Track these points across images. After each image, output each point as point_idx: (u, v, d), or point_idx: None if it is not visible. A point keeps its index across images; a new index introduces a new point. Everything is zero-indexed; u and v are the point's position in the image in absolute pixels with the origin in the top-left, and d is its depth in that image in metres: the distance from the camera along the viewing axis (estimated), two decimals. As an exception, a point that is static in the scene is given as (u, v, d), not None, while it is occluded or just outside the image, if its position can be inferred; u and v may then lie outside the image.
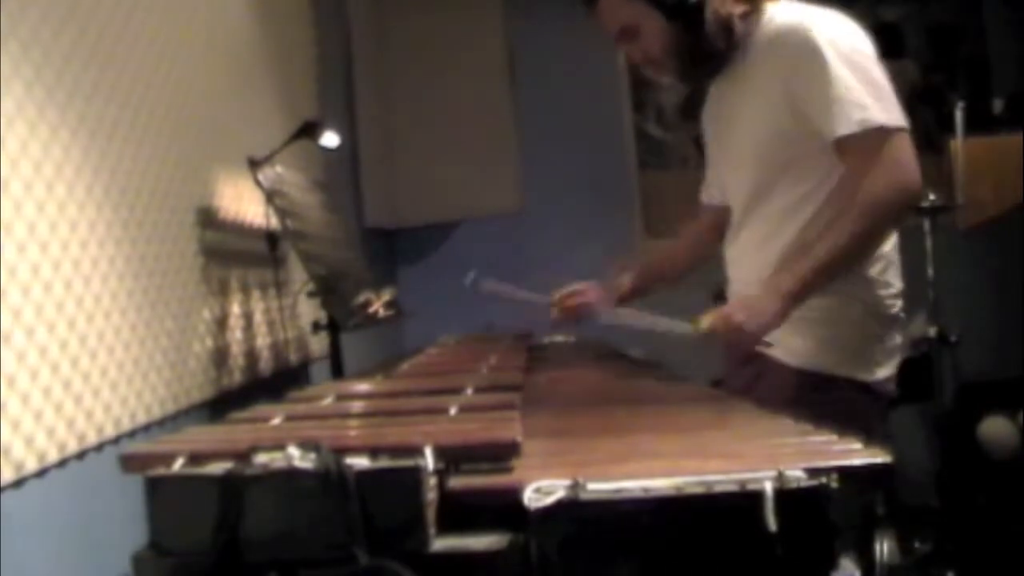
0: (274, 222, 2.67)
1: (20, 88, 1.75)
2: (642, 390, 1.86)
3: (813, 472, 1.00)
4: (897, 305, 1.98)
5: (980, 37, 4.75)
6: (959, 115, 3.55)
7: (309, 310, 2.86)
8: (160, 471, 1.08)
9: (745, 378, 1.97)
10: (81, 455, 1.82)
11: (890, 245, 1.99)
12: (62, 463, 1.76)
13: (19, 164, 1.73)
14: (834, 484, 0.98)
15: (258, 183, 2.56)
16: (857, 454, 1.11)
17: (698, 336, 1.86)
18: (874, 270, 1.94)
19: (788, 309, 1.85)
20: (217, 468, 1.06)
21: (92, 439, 1.85)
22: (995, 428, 3.68)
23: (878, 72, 1.88)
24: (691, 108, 5.08)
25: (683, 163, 5.06)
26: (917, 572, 3.27)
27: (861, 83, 1.83)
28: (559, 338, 2.72)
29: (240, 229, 2.78)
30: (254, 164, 2.56)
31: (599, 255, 4.74)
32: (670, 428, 1.39)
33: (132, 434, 2.00)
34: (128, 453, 1.17)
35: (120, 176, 2.10)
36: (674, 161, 5.05)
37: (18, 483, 1.63)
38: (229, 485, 1.02)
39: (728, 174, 2.15)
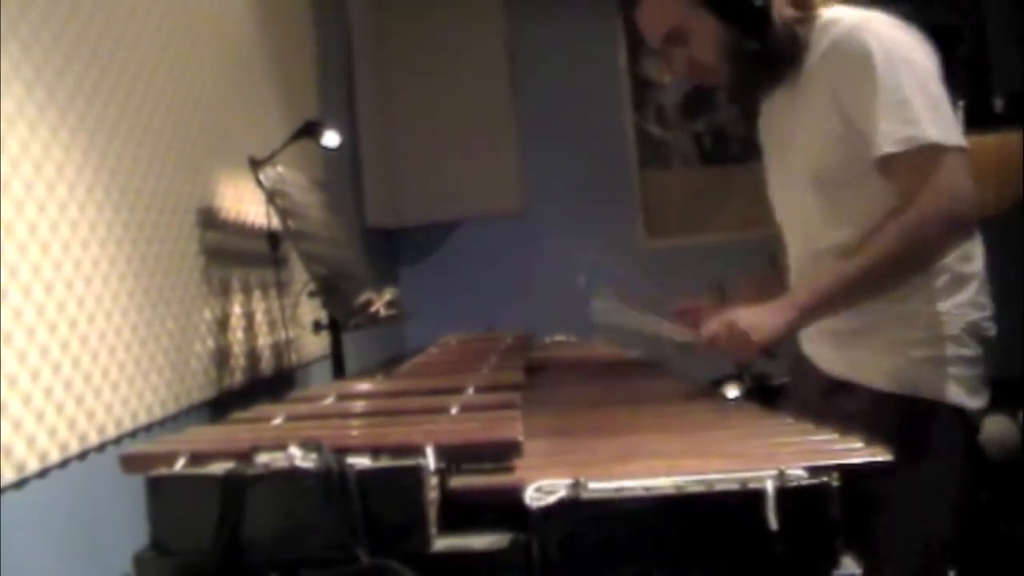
0: (275, 222, 2.67)
1: (21, 89, 1.75)
2: (642, 390, 1.86)
3: (814, 471, 1.00)
4: (993, 329, 1.80)
5: (980, 37, 4.75)
6: (959, 114, 3.54)
7: (310, 310, 2.86)
8: (161, 471, 1.08)
9: (831, 412, 1.63)
10: (83, 455, 1.82)
11: (979, 263, 1.80)
12: (64, 463, 1.76)
13: (20, 165, 1.73)
14: (835, 483, 0.98)
15: (259, 183, 2.56)
16: (857, 453, 1.11)
17: (699, 344, 1.76)
18: (970, 290, 1.76)
19: (799, 323, 1.72)
20: (218, 468, 1.06)
21: (94, 439, 1.85)
22: (995, 428, 3.68)
23: (936, 86, 1.71)
24: (693, 107, 5.10)
25: (684, 162, 5.06)
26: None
27: (914, 95, 1.65)
28: (559, 338, 2.72)
29: (241, 229, 2.78)
30: (255, 164, 2.56)
31: (599, 255, 4.78)
32: (670, 428, 1.39)
33: (133, 434, 2.00)
34: (129, 453, 1.18)
35: (121, 176, 2.10)
36: (674, 161, 5.06)
37: (20, 483, 1.63)
38: (230, 485, 1.02)
39: (782, 195, 1.94)
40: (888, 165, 1.66)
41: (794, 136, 1.83)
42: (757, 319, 1.70)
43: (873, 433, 1.21)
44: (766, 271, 2.10)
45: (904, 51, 1.70)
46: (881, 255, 1.67)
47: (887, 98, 1.65)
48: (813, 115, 1.77)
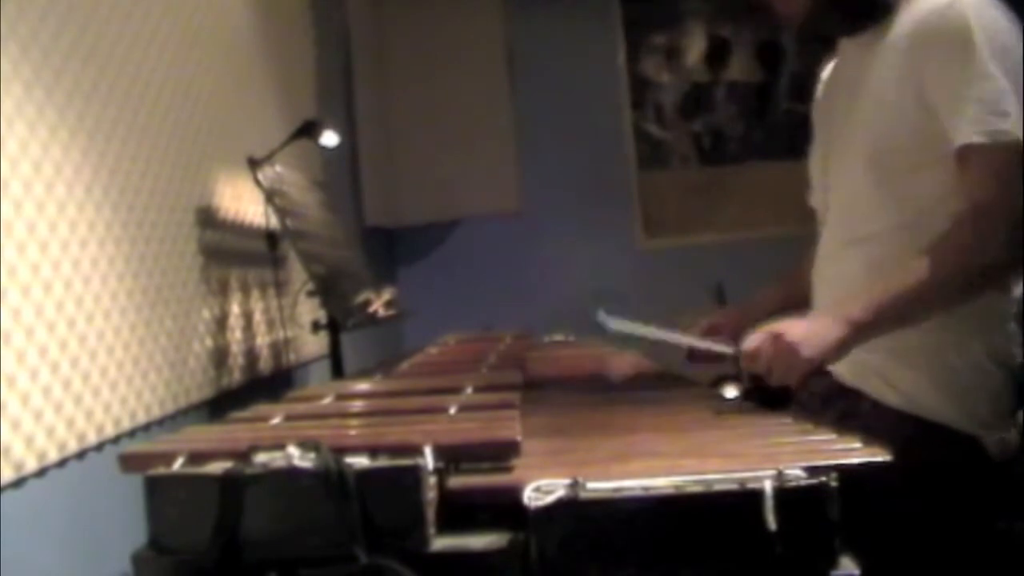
0: (274, 222, 2.68)
1: (19, 89, 1.75)
2: (642, 390, 1.86)
3: (812, 471, 1.00)
4: (1019, 357, 1.58)
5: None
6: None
7: (309, 309, 2.86)
8: (160, 471, 1.08)
9: (827, 419, 1.50)
10: (81, 455, 1.82)
11: (1020, 288, 1.59)
12: (62, 463, 1.76)
13: (19, 164, 1.72)
14: (833, 483, 0.98)
15: (258, 183, 2.56)
16: (856, 453, 1.11)
17: (739, 357, 1.55)
18: (1003, 314, 1.58)
19: (852, 341, 1.49)
20: (217, 468, 1.06)
21: (92, 439, 1.85)
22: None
23: None
24: (691, 107, 5.10)
25: (682, 162, 5.07)
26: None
27: (1012, 87, 1.47)
28: (558, 337, 2.72)
29: (240, 229, 2.78)
30: (254, 164, 2.56)
31: (599, 255, 4.80)
32: (670, 427, 1.39)
33: (132, 434, 2.00)
34: (127, 453, 1.18)
35: (120, 176, 2.10)
36: (673, 161, 5.06)
37: (18, 483, 1.63)
38: (229, 485, 1.02)
39: (829, 167, 1.73)
40: (967, 156, 1.48)
41: (859, 103, 1.64)
42: (807, 332, 1.49)
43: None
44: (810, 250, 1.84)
45: (1005, 38, 1.52)
46: (950, 267, 1.47)
47: (981, 85, 1.47)
48: (886, 85, 1.59)
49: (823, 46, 1.80)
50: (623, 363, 2.02)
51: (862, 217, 1.63)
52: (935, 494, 1.50)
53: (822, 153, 1.76)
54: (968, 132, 1.47)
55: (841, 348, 1.50)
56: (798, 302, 1.85)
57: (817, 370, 1.51)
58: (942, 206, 1.52)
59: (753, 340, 1.52)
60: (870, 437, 1.15)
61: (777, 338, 1.49)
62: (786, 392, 1.63)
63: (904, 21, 1.59)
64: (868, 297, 1.51)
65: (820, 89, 1.84)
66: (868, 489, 1.12)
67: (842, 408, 1.59)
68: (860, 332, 1.49)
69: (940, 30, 1.52)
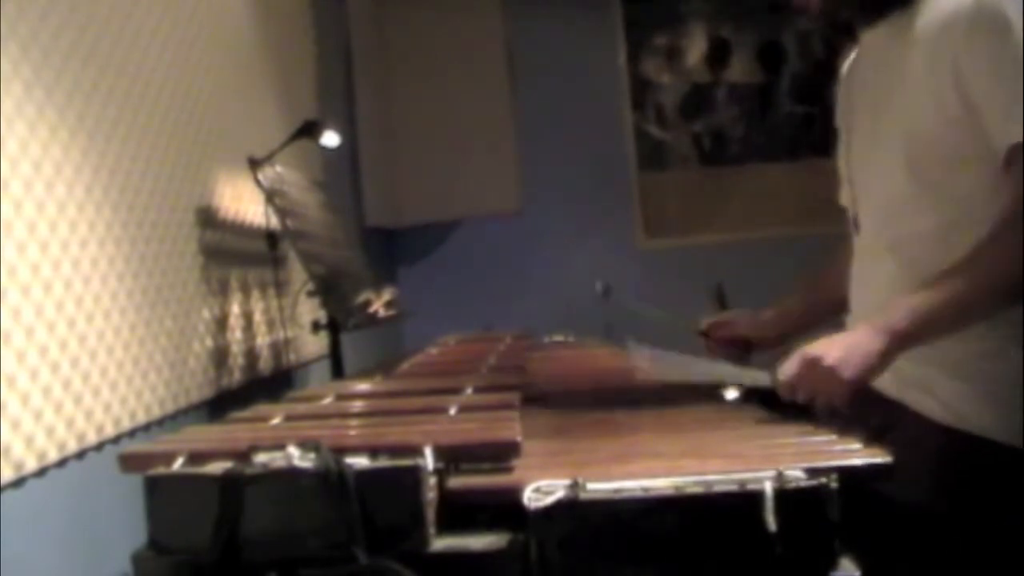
0: (274, 222, 2.67)
1: (19, 88, 1.75)
2: (642, 390, 1.85)
3: (812, 472, 1.00)
4: None
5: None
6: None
7: (309, 310, 2.86)
8: (160, 470, 1.08)
9: (862, 431, 1.35)
10: (81, 455, 1.82)
11: None
12: (62, 462, 1.76)
13: (19, 164, 1.72)
14: (833, 484, 0.98)
15: (258, 183, 2.56)
16: (857, 454, 1.11)
17: (778, 386, 1.44)
18: None
19: (896, 352, 1.39)
20: (217, 468, 1.06)
21: (92, 439, 1.85)
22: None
23: None
24: (691, 108, 5.10)
25: (683, 163, 5.06)
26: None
27: None
28: (558, 337, 2.72)
29: (240, 229, 2.78)
30: (254, 164, 2.56)
31: (599, 255, 4.80)
32: (670, 428, 1.39)
33: (132, 434, 2.00)
34: (127, 452, 1.18)
35: (120, 176, 2.10)
36: (673, 161, 5.06)
37: (18, 482, 1.63)
38: (229, 485, 1.02)
39: (862, 165, 1.63)
40: (1012, 156, 1.39)
41: (890, 98, 1.54)
42: (844, 351, 1.39)
43: (918, 475, 1.06)
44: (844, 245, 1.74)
45: None
46: (995, 274, 1.38)
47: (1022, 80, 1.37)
48: (919, 79, 1.48)
49: (846, 36, 1.70)
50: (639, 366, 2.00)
51: (901, 217, 1.53)
52: (982, 510, 1.41)
53: (845, 149, 1.68)
54: (1012, 132, 1.38)
55: (885, 360, 1.40)
56: (824, 310, 1.77)
57: (863, 388, 1.40)
58: (987, 205, 1.42)
59: (789, 368, 1.42)
60: (912, 452, 1.07)
61: (814, 363, 1.39)
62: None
63: (931, 10, 1.48)
64: (909, 305, 1.41)
65: (841, 84, 1.75)
66: (912, 505, 1.12)
67: (880, 421, 1.47)
68: (903, 343, 1.40)
69: (976, 20, 1.41)
